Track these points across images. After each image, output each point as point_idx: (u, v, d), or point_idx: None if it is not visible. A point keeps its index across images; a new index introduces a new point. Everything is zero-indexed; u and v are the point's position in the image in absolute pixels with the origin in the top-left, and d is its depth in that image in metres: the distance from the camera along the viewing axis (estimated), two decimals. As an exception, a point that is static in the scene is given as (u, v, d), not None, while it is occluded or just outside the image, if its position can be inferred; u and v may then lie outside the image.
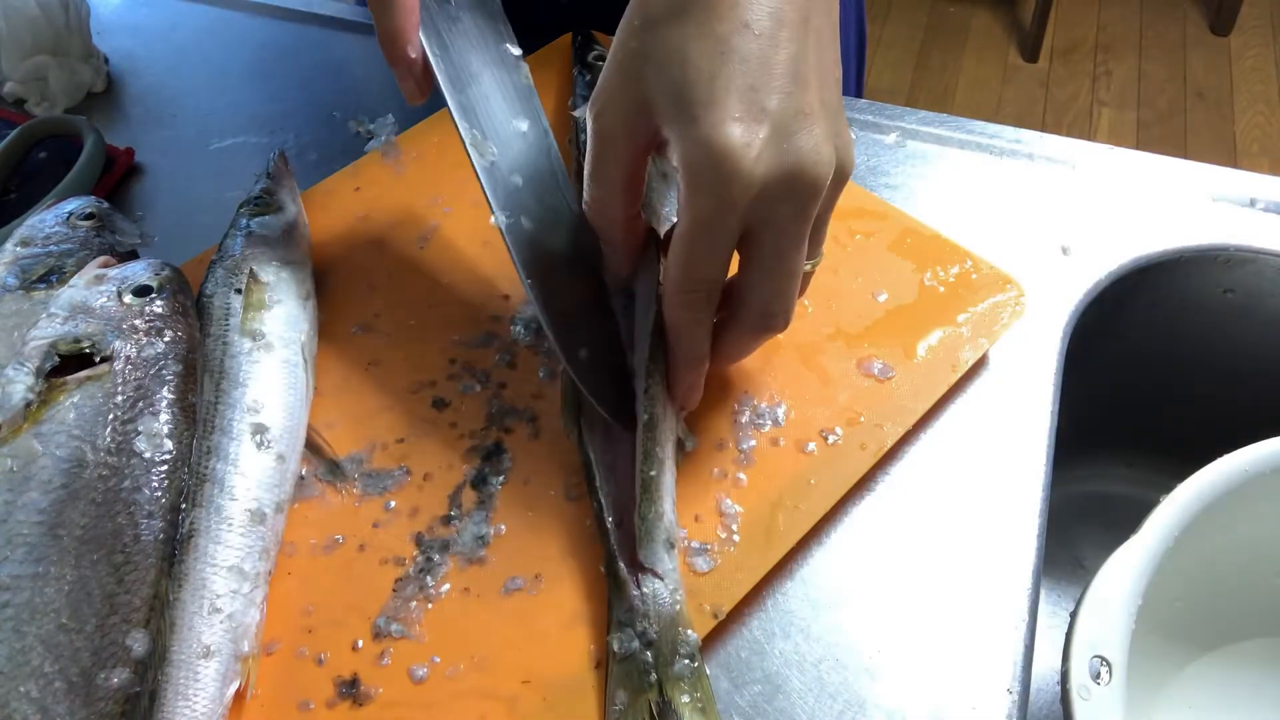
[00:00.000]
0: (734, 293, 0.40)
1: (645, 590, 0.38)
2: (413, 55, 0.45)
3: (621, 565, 0.39)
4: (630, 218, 0.41)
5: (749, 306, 0.39)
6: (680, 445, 0.43)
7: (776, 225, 0.37)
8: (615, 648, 0.37)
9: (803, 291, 0.41)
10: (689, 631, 0.38)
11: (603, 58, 0.58)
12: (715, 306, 0.39)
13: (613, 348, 0.44)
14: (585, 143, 0.39)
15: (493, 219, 0.44)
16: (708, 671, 0.37)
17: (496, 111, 0.46)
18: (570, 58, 0.61)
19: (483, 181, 0.44)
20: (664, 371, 0.41)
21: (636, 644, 0.37)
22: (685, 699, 0.36)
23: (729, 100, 0.35)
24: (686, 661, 0.37)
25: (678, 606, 0.38)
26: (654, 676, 0.36)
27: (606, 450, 0.42)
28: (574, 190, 0.46)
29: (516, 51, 0.48)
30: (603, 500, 0.41)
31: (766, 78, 0.35)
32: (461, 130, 0.44)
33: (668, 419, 0.41)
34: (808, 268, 0.40)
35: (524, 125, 0.47)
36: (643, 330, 0.42)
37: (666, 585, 0.38)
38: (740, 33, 0.35)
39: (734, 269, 0.39)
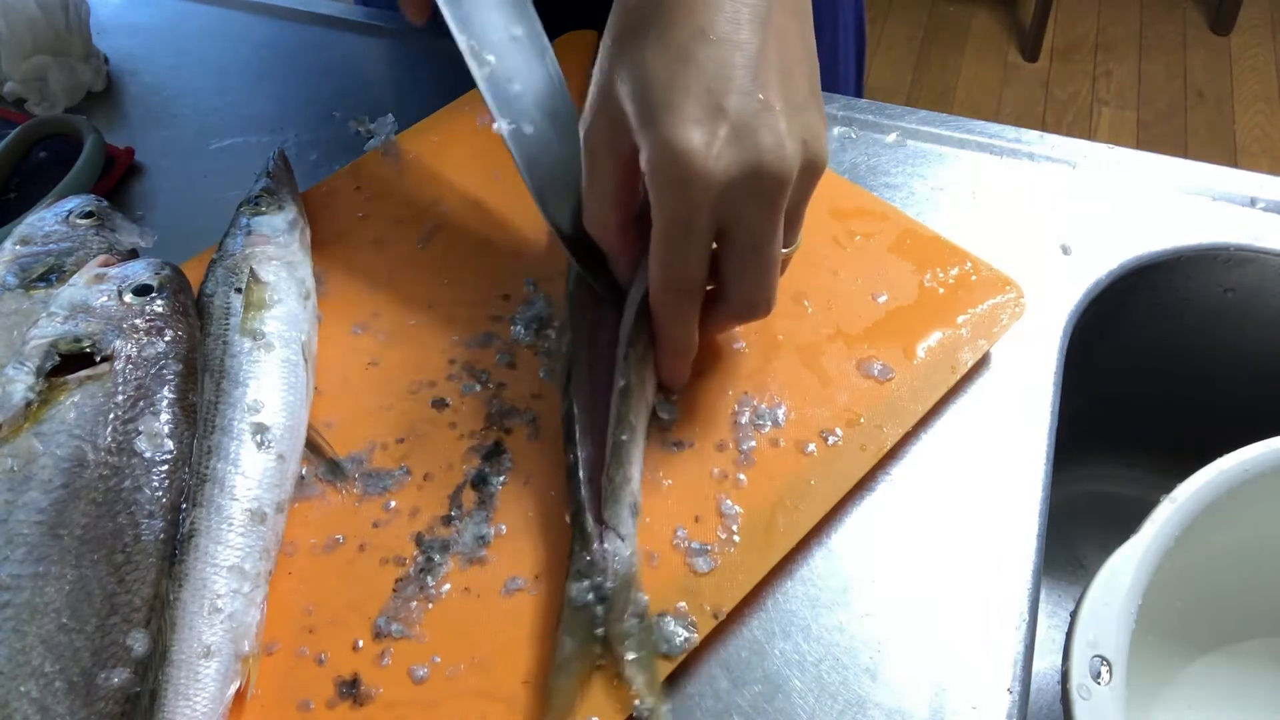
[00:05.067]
0: (717, 280, 0.41)
1: (607, 546, 0.39)
2: None
3: (589, 518, 0.40)
4: (623, 227, 0.43)
5: (730, 297, 0.41)
6: (655, 416, 0.44)
7: (746, 220, 0.38)
8: (572, 595, 0.38)
9: (782, 273, 0.42)
10: (641, 595, 0.39)
11: None
12: (699, 301, 0.41)
13: None
14: None
15: (495, 126, 0.46)
16: (655, 633, 0.38)
17: (494, 20, 0.48)
18: (570, 53, 0.61)
19: (483, 90, 0.46)
20: (646, 343, 0.43)
21: (592, 596, 0.38)
22: (630, 655, 0.37)
23: (687, 103, 0.36)
24: (635, 621, 0.38)
25: (634, 568, 0.39)
26: (601, 630, 0.38)
27: (588, 409, 0.43)
28: (570, 94, 0.49)
29: None
30: (579, 456, 0.42)
31: (724, 79, 0.36)
32: (460, 41, 0.46)
33: (644, 389, 0.43)
34: (788, 250, 0.41)
35: (519, 30, 0.49)
36: (631, 300, 0.43)
37: (626, 546, 0.39)
38: (696, 38, 0.37)
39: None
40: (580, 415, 0.43)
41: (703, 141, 0.36)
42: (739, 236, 0.39)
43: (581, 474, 0.41)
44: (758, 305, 0.41)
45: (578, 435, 0.42)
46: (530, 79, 0.48)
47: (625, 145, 0.39)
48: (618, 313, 0.45)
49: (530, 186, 0.46)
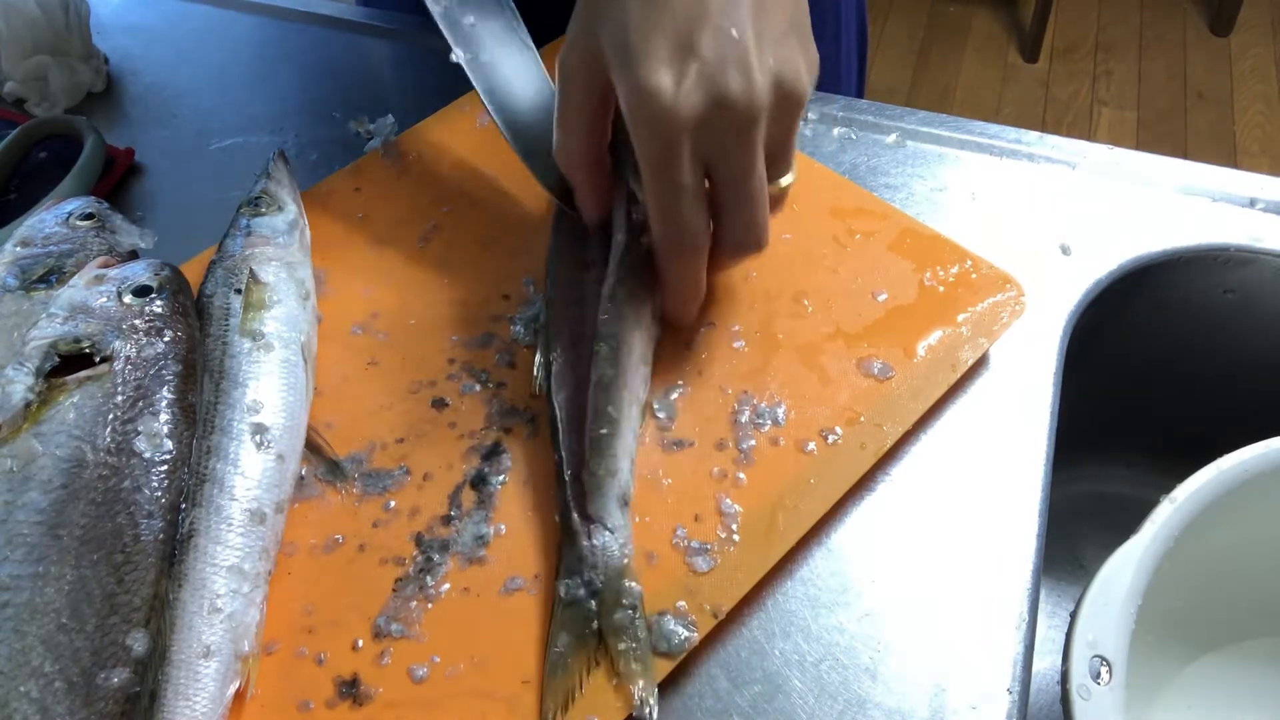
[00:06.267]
0: (714, 221, 0.43)
1: (595, 542, 0.39)
2: None
3: (574, 516, 0.40)
4: (592, 160, 0.44)
5: (723, 232, 0.43)
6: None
7: (724, 155, 0.39)
8: (561, 593, 0.39)
9: (776, 210, 0.44)
10: (634, 584, 0.39)
11: None
12: (705, 251, 0.43)
13: None
14: None
15: (452, 56, 0.48)
16: (648, 621, 0.39)
17: None
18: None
19: (441, 25, 0.49)
20: (620, 335, 0.43)
21: (583, 591, 0.39)
22: (622, 646, 0.37)
23: (661, 45, 0.38)
24: (629, 612, 0.38)
25: (625, 560, 0.39)
26: (596, 624, 0.38)
27: (571, 406, 0.43)
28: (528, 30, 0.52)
29: None
30: (562, 454, 0.42)
31: (697, 21, 0.38)
32: None
33: (624, 380, 0.43)
34: (784, 184, 0.43)
35: None
36: (605, 295, 0.44)
37: (616, 539, 0.40)
38: None
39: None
40: (562, 413, 0.43)
41: (672, 81, 0.37)
42: (721, 171, 0.40)
43: (567, 472, 0.41)
44: (748, 240, 0.42)
45: (560, 435, 0.42)
46: (483, 13, 0.50)
47: (601, 80, 0.40)
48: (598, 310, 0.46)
49: (493, 114, 0.48)
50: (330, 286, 0.51)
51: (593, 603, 0.38)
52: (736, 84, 0.38)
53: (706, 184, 0.41)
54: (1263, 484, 0.44)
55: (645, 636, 0.38)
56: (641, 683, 0.37)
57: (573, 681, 0.37)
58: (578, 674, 0.37)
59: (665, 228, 0.41)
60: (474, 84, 0.49)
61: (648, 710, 0.36)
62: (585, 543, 0.39)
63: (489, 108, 0.49)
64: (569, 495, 0.41)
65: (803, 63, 0.40)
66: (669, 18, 0.38)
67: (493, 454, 0.44)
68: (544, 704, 0.37)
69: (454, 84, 0.61)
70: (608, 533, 0.40)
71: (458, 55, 0.48)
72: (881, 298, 0.49)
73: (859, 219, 0.52)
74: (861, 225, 0.52)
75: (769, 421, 0.44)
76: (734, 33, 0.38)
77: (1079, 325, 0.51)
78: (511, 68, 0.50)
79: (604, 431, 0.41)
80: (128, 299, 0.43)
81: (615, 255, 0.45)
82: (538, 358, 0.46)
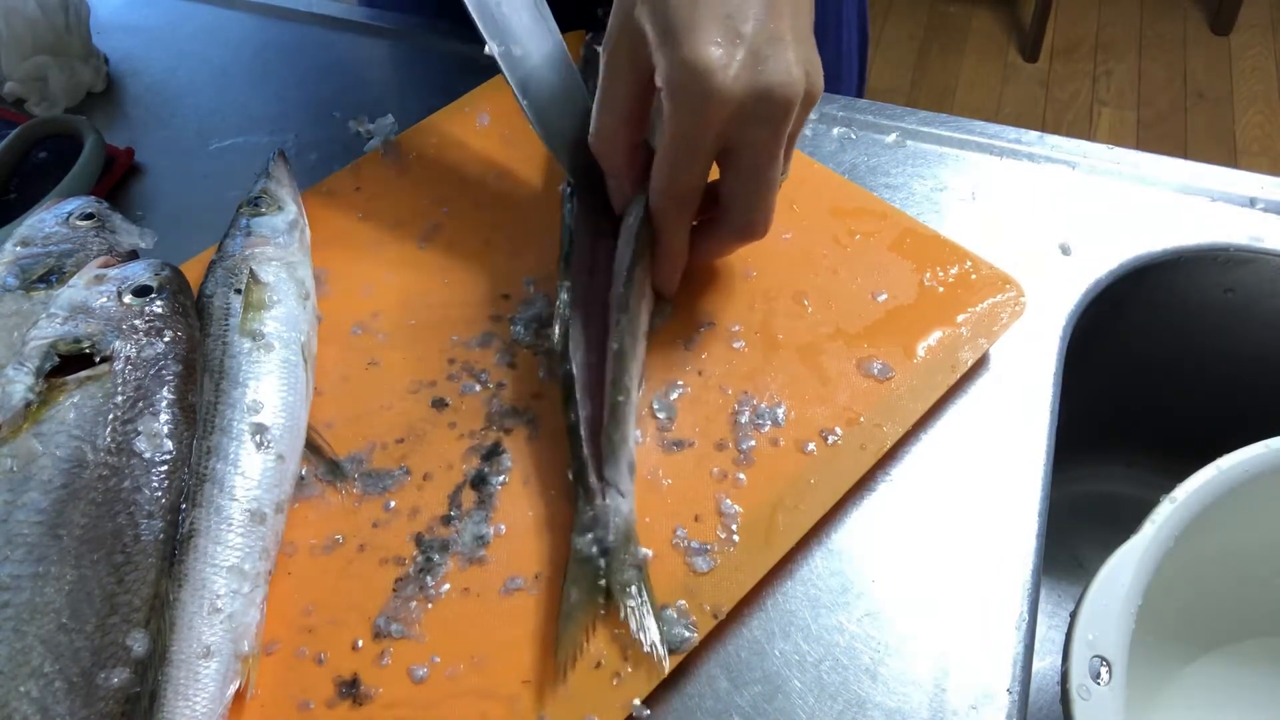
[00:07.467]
0: (719, 202, 0.44)
1: (608, 502, 0.40)
2: None
3: (592, 475, 0.41)
4: (632, 146, 0.45)
5: (731, 216, 0.44)
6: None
7: (753, 142, 0.41)
8: (578, 548, 0.40)
9: None
10: (641, 549, 0.40)
11: None
12: (695, 211, 0.45)
13: None
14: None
15: (485, 49, 0.49)
16: (653, 591, 0.40)
17: None
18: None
19: (474, 16, 0.49)
20: (637, 309, 0.44)
21: (595, 549, 0.40)
22: (631, 603, 0.39)
23: (709, 25, 0.38)
24: (634, 571, 0.39)
25: (633, 523, 0.41)
26: (604, 581, 0.39)
27: (587, 371, 0.44)
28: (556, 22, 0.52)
29: None
30: (579, 415, 0.43)
31: (743, 6, 0.39)
32: None
33: (636, 354, 0.44)
34: (781, 179, 0.44)
35: None
36: (620, 266, 0.45)
37: (626, 503, 0.41)
38: None
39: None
40: (579, 375, 0.44)
41: (722, 62, 0.38)
42: (744, 157, 0.41)
43: (583, 432, 0.42)
44: (757, 225, 0.44)
45: (577, 395, 0.43)
46: (515, 5, 0.51)
47: (645, 63, 0.41)
48: (609, 276, 0.46)
49: (525, 107, 0.48)
50: (330, 286, 0.51)
51: (602, 560, 0.39)
52: (780, 75, 0.39)
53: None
54: (1263, 484, 0.44)
55: (650, 594, 0.39)
56: (648, 636, 0.38)
57: (581, 636, 0.38)
58: (585, 628, 0.38)
59: (674, 186, 0.43)
60: (506, 78, 0.49)
61: (658, 659, 0.38)
62: (600, 501, 0.40)
63: (521, 102, 0.49)
64: (586, 455, 0.42)
65: (819, 63, 0.42)
66: (716, 2, 0.39)
67: (493, 454, 0.44)
68: (557, 656, 0.38)
69: (454, 84, 0.61)
70: (620, 496, 0.41)
71: (491, 48, 0.49)
72: (881, 298, 0.49)
73: (859, 219, 0.52)
74: (861, 225, 0.52)
75: (769, 422, 0.44)
76: (773, 25, 0.39)
77: (1079, 325, 0.51)
78: (541, 57, 0.50)
79: (620, 399, 0.42)
80: (128, 299, 0.43)
81: (630, 231, 0.46)
82: (557, 315, 0.46)
